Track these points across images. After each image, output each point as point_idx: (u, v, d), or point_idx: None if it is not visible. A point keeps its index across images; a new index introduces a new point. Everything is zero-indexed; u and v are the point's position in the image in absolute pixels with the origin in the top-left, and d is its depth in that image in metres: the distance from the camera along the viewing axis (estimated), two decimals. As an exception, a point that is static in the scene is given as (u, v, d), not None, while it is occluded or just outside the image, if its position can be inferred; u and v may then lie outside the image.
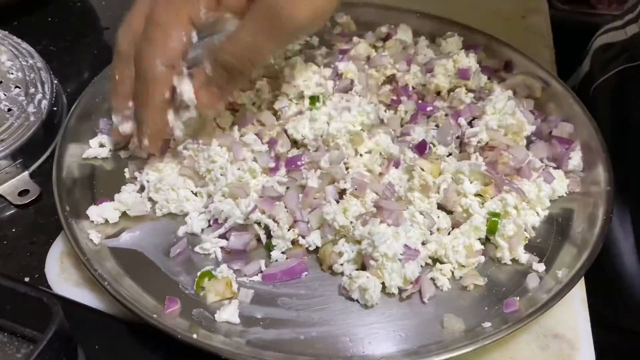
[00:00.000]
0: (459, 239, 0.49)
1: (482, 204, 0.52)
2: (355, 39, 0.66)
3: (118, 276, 0.46)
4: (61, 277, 0.49)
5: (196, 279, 0.47)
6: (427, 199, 0.52)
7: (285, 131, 0.55)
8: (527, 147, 0.57)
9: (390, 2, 0.65)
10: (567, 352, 0.46)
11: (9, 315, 0.40)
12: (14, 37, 0.64)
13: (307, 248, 0.50)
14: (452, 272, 0.49)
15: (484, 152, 0.55)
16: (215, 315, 0.45)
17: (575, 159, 0.56)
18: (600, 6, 1.06)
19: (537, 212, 0.53)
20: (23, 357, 0.40)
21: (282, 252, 0.49)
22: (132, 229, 0.51)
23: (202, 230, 0.51)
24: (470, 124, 0.57)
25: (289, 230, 0.49)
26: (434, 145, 0.56)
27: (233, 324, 0.45)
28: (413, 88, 0.62)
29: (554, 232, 0.52)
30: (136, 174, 0.54)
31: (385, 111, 0.59)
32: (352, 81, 0.59)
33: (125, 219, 0.51)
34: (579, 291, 0.50)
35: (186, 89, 0.49)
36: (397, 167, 0.54)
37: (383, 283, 0.47)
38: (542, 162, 0.56)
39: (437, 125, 0.58)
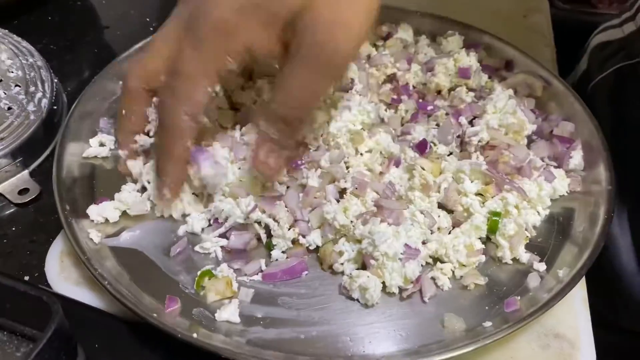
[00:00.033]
0: (460, 238, 0.49)
1: (483, 203, 0.51)
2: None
3: (118, 275, 0.46)
4: (61, 276, 0.49)
5: (196, 278, 0.47)
6: (428, 198, 0.51)
7: None
8: (528, 146, 0.57)
9: (391, 2, 0.65)
10: (568, 352, 0.46)
11: (9, 314, 0.40)
12: (14, 35, 0.64)
13: (307, 247, 0.50)
14: (453, 272, 0.49)
15: (484, 151, 0.55)
16: (216, 315, 0.45)
17: (576, 158, 0.56)
18: (601, 5, 1.06)
19: (537, 212, 0.52)
20: (22, 355, 0.40)
21: (283, 252, 0.49)
22: (132, 228, 0.50)
23: (203, 229, 0.51)
24: (470, 123, 0.57)
25: (289, 229, 0.49)
26: (435, 145, 0.55)
27: (233, 324, 0.45)
28: (414, 87, 0.61)
29: (555, 232, 0.52)
30: (138, 175, 0.53)
31: (385, 110, 0.59)
32: (352, 80, 0.59)
33: (125, 218, 0.51)
34: (580, 291, 0.50)
35: (205, 165, 0.48)
36: (397, 166, 0.53)
37: (383, 282, 0.47)
38: (542, 161, 0.56)
39: (437, 125, 0.58)
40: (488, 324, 0.45)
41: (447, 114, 0.58)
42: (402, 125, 0.58)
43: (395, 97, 0.60)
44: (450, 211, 0.52)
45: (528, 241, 0.50)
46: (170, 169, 0.48)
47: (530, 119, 0.58)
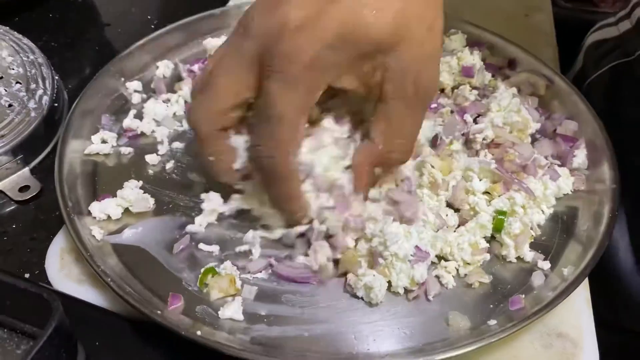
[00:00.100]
0: (465, 237, 0.49)
1: (489, 201, 0.51)
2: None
3: (121, 272, 0.46)
4: (61, 273, 0.48)
5: (200, 276, 0.46)
6: (437, 196, 0.51)
7: None
8: (532, 144, 0.57)
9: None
10: (571, 351, 0.46)
11: (9, 311, 0.40)
12: (15, 32, 0.63)
13: None
14: (457, 270, 0.48)
15: (489, 149, 0.55)
16: (219, 312, 0.45)
17: (580, 156, 0.56)
18: (603, 4, 1.06)
19: (542, 210, 0.52)
20: (23, 353, 0.39)
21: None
22: (135, 225, 0.50)
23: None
24: (475, 121, 0.57)
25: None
26: (448, 141, 0.55)
27: (237, 321, 0.44)
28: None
29: (559, 230, 0.52)
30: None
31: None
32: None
33: (127, 215, 0.51)
34: (583, 290, 0.49)
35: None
36: (414, 159, 0.53)
37: (389, 281, 0.46)
38: (546, 159, 0.56)
39: (443, 122, 0.57)
40: (493, 322, 0.45)
41: (452, 111, 0.58)
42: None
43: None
44: (456, 209, 0.52)
45: (532, 240, 0.50)
46: (297, 205, 0.47)
47: (535, 118, 0.58)
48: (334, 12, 0.40)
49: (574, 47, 0.79)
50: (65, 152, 0.53)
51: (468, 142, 0.56)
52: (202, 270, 0.47)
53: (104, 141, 0.56)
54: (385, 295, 0.46)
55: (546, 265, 0.49)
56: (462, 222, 0.51)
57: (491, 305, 0.46)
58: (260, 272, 0.48)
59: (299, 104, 0.42)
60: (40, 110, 0.57)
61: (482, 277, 0.48)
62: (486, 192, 0.52)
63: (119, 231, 0.49)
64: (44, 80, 0.60)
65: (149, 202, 0.51)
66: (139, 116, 0.59)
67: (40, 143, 0.58)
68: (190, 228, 0.50)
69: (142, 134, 0.58)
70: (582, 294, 0.49)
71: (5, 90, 0.57)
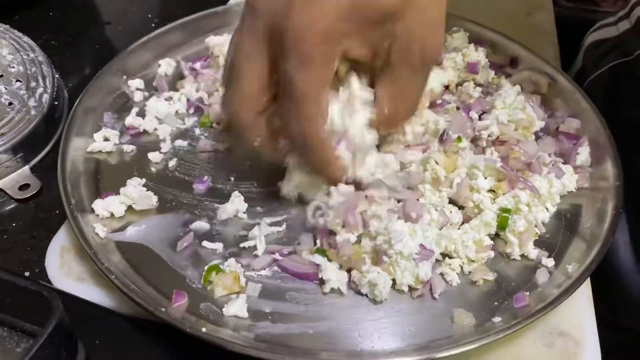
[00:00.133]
0: (469, 234, 0.49)
1: (494, 199, 0.51)
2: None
3: (125, 270, 0.46)
4: (61, 271, 0.48)
5: (204, 273, 0.46)
6: (439, 192, 0.51)
7: None
8: (535, 142, 0.57)
9: None
10: (573, 350, 0.45)
11: (9, 309, 0.39)
12: (15, 31, 0.63)
13: None
14: (461, 267, 0.48)
15: (494, 146, 0.55)
16: (223, 310, 0.44)
17: (583, 154, 0.56)
18: (605, 4, 1.07)
19: (546, 208, 0.52)
20: (23, 351, 0.39)
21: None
22: (138, 222, 0.50)
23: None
24: (479, 118, 0.57)
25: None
26: (459, 140, 0.54)
27: (241, 318, 0.44)
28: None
29: (563, 228, 0.52)
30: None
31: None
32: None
33: (130, 213, 0.51)
34: (585, 289, 0.49)
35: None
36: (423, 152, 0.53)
37: (393, 279, 0.46)
38: (550, 157, 0.56)
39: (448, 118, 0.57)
40: (497, 319, 0.45)
41: (457, 107, 0.58)
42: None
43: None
44: (461, 207, 0.51)
45: (537, 237, 0.50)
46: (335, 167, 0.48)
47: (539, 116, 0.58)
48: None
49: (575, 47, 0.79)
50: (67, 150, 0.53)
51: (474, 139, 0.56)
52: (206, 267, 0.47)
53: (106, 139, 0.56)
54: (390, 292, 0.46)
55: (550, 262, 0.49)
56: (466, 220, 0.51)
57: (495, 303, 0.46)
58: (264, 269, 0.48)
59: (318, 78, 0.43)
60: (41, 108, 0.57)
61: (487, 275, 0.48)
62: (490, 190, 0.52)
63: (122, 229, 0.49)
64: (44, 79, 0.59)
65: (152, 200, 0.51)
66: (141, 114, 0.59)
67: (40, 141, 0.57)
68: (194, 225, 0.50)
69: (145, 132, 0.58)
70: (584, 293, 0.49)
71: (6, 89, 0.57)
